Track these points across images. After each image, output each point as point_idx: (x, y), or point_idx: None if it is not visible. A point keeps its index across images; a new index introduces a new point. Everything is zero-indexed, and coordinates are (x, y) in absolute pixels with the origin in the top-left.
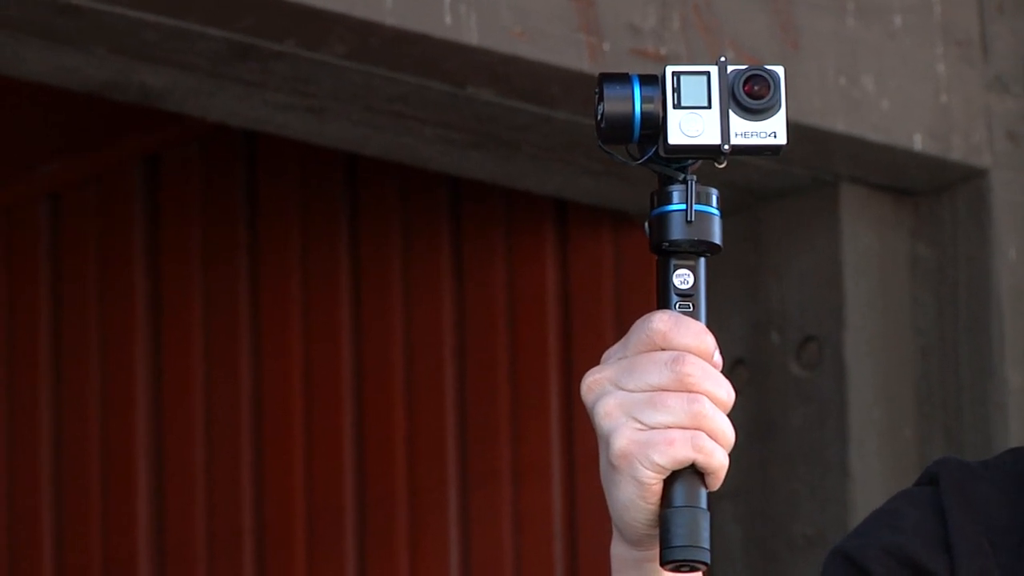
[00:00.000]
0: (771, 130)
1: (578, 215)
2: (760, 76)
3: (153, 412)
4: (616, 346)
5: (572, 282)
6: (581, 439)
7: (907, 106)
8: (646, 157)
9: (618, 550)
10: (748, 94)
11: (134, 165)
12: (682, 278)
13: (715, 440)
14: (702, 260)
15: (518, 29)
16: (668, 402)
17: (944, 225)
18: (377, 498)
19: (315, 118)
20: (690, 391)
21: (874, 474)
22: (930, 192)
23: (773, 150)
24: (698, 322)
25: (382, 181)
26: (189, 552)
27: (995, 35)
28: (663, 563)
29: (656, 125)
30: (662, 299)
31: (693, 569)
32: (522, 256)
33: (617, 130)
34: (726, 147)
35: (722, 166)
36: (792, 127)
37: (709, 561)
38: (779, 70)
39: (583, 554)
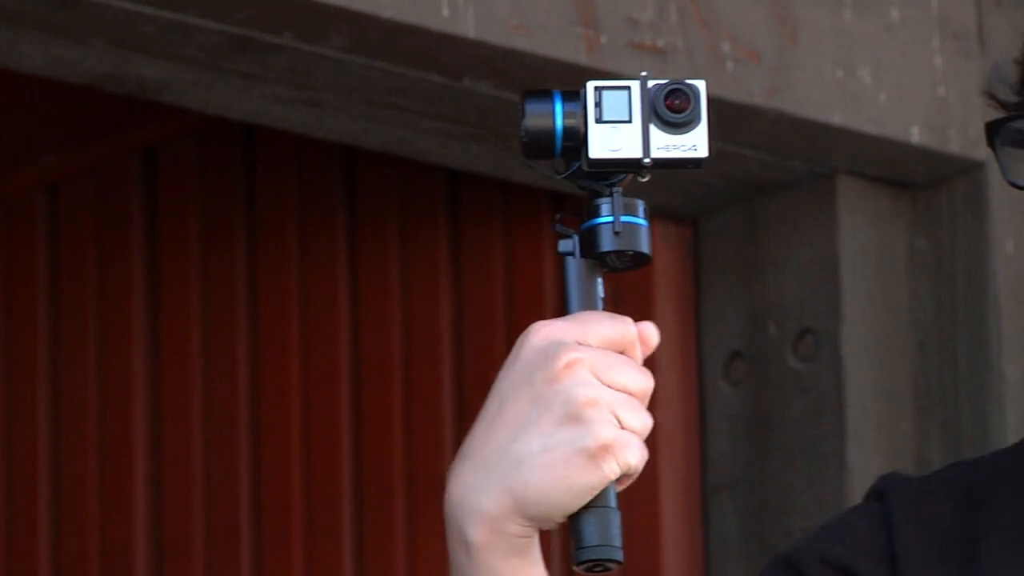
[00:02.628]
0: (692, 143)
1: (576, 207)
2: (680, 90)
3: (151, 403)
4: (577, 320)
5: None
6: None
7: (904, 99)
8: (570, 171)
9: (476, 558)
10: (669, 108)
11: (132, 157)
12: (601, 288)
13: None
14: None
15: (515, 22)
16: (640, 409)
17: (942, 218)
18: (375, 490)
19: (313, 111)
20: (644, 399)
21: (871, 467)
22: (927, 185)
23: (695, 163)
24: (655, 339)
25: (380, 173)
26: (186, 544)
27: (992, 28)
28: (577, 563)
29: (578, 140)
30: (586, 306)
31: (606, 569)
32: (520, 248)
33: (540, 145)
34: (647, 160)
35: (645, 180)
36: (789, 120)
37: (622, 560)
38: (700, 84)
39: None
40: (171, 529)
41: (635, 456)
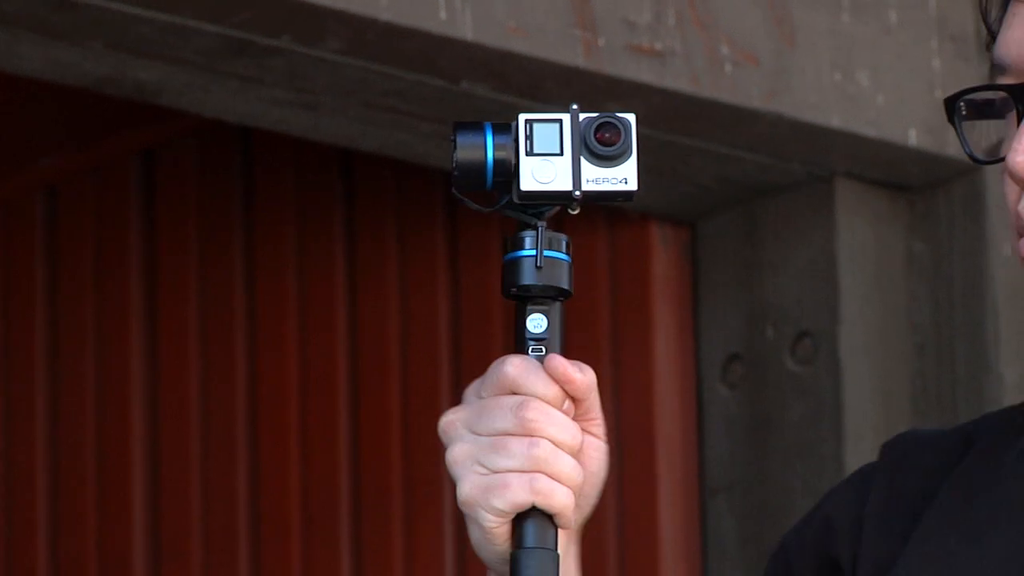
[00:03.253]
0: (622, 176)
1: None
2: (611, 123)
3: (149, 405)
4: (474, 385)
5: None
6: None
7: (902, 101)
8: (500, 204)
9: None
10: (599, 141)
11: (130, 160)
12: (535, 322)
13: (558, 481)
14: (557, 304)
15: (513, 24)
16: (509, 447)
17: (939, 221)
18: (373, 492)
19: (311, 113)
20: (531, 435)
21: None
22: (925, 188)
23: (625, 196)
24: (574, 369)
25: (378, 176)
26: (184, 545)
27: None
28: None
29: (509, 172)
30: (518, 343)
31: None
32: None
33: (471, 177)
34: (577, 193)
35: (575, 212)
36: (787, 122)
37: None
38: (630, 117)
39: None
40: (169, 531)
41: (501, 497)
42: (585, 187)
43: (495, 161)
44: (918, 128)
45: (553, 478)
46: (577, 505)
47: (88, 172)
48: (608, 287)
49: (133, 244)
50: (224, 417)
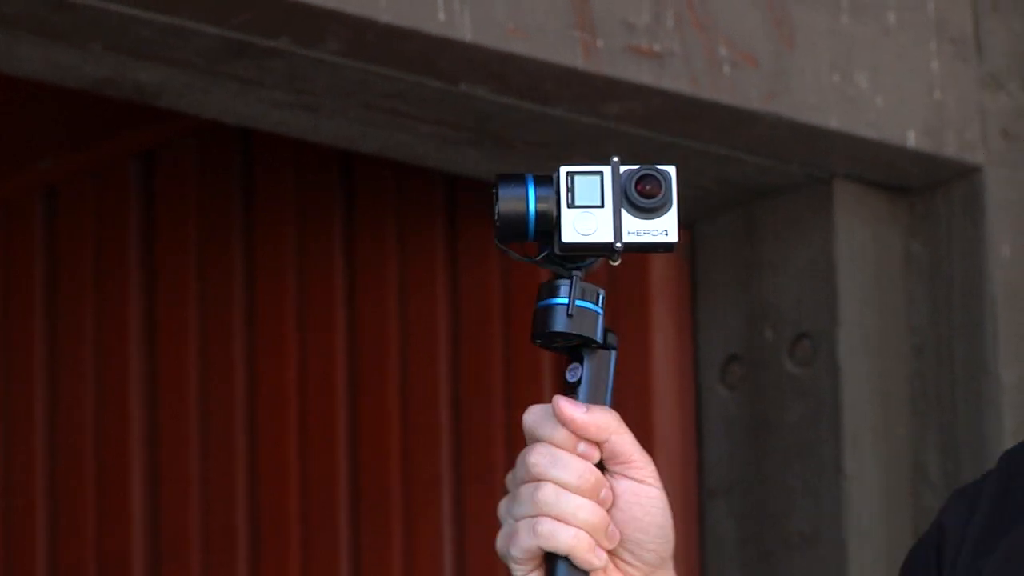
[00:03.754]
0: (663, 228)
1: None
2: (652, 176)
3: (148, 406)
4: None
5: None
6: None
7: (901, 103)
8: (542, 255)
9: None
10: (640, 193)
11: (129, 161)
12: (571, 371)
13: (564, 523)
14: (601, 353)
15: (512, 26)
16: (520, 494)
17: (938, 222)
18: (372, 493)
19: (310, 115)
20: (537, 479)
21: (868, 471)
22: (924, 189)
23: (665, 247)
24: (573, 408)
25: (377, 177)
26: (183, 547)
27: (989, 32)
28: None
29: (551, 223)
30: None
31: None
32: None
33: (513, 229)
34: (618, 245)
35: (616, 264)
36: (786, 124)
37: None
38: (671, 170)
39: None
40: (168, 532)
41: (514, 545)
42: (626, 239)
43: (537, 213)
44: (917, 129)
45: (559, 520)
46: (629, 548)
47: (88, 173)
48: (607, 288)
49: (133, 245)
50: (223, 417)
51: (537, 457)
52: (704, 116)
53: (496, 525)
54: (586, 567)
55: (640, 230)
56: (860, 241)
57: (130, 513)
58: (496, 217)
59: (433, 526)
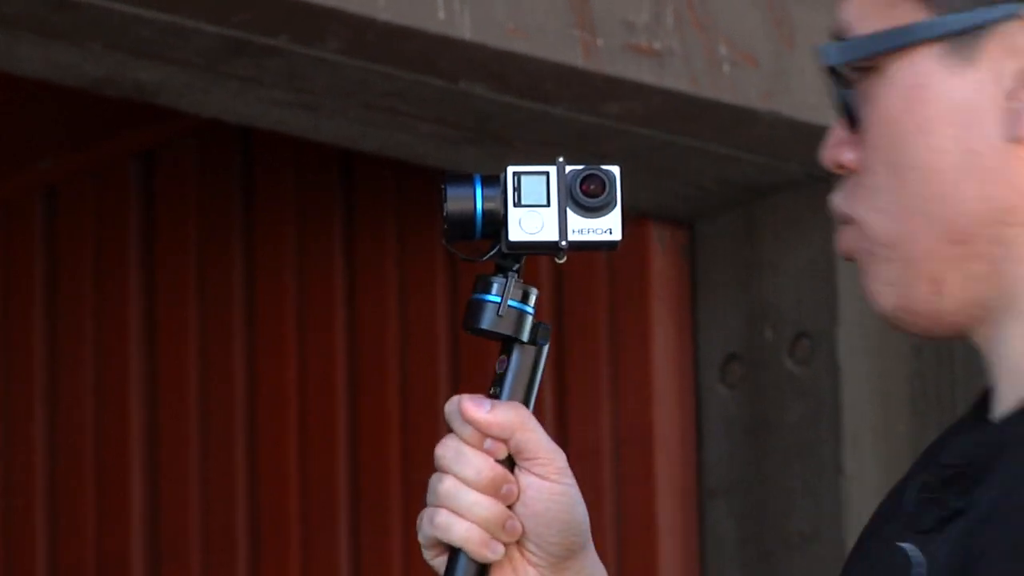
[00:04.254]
0: (607, 227)
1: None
2: (596, 176)
3: (148, 406)
4: None
5: (565, 277)
6: (573, 436)
7: None
8: (490, 253)
9: None
10: (584, 193)
11: (129, 160)
12: (499, 362)
13: (460, 516)
14: (533, 349)
15: (512, 25)
16: (430, 484)
17: None
18: (371, 492)
19: (310, 114)
20: (440, 472)
21: (868, 471)
22: None
23: (609, 246)
24: (474, 407)
25: (377, 176)
26: (183, 547)
27: None
28: None
29: (498, 223)
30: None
31: None
32: None
33: (461, 228)
34: (563, 243)
35: (562, 261)
36: (787, 123)
37: None
38: (615, 170)
39: None
40: (168, 532)
41: (419, 531)
42: (571, 237)
43: (484, 212)
44: None
45: (456, 513)
46: (533, 542)
47: (87, 173)
48: (607, 287)
49: (132, 245)
50: (223, 417)
51: (443, 450)
52: (704, 115)
53: None
54: (479, 560)
55: (585, 228)
56: None
57: (130, 513)
58: (444, 217)
59: None
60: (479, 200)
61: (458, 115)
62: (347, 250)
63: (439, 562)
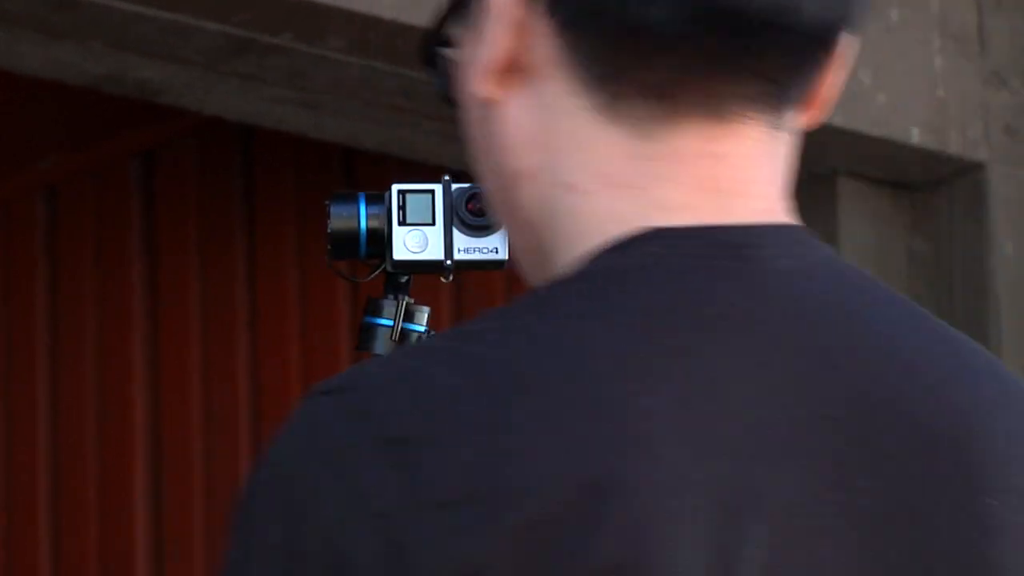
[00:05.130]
0: (493, 246)
1: None
2: (481, 194)
3: (150, 404)
4: None
5: None
6: None
7: (904, 100)
8: (375, 273)
9: None
10: (470, 211)
11: (131, 159)
12: None
13: None
14: None
15: None
16: None
17: (941, 219)
18: None
19: (312, 112)
20: None
21: None
22: (927, 186)
23: (496, 265)
24: None
25: (379, 175)
26: (186, 544)
27: (992, 30)
28: None
29: (383, 242)
30: None
31: None
32: None
33: (345, 247)
34: (449, 262)
35: (448, 281)
36: None
37: None
38: None
39: None
40: (171, 531)
41: None
42: (457, 256)
43: (368, 231)
44: (920, 126)
45: None
46: None
47: (88, 172)
48: None
49: (134, 244)
50: (226, 416)
51: None
52: None
53: None
54: None
55: (471, 247)
56: (863, 238)
57: (133, 512)
58: (328, 236)
59: None
60: (363, 218)
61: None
62: None
63: None
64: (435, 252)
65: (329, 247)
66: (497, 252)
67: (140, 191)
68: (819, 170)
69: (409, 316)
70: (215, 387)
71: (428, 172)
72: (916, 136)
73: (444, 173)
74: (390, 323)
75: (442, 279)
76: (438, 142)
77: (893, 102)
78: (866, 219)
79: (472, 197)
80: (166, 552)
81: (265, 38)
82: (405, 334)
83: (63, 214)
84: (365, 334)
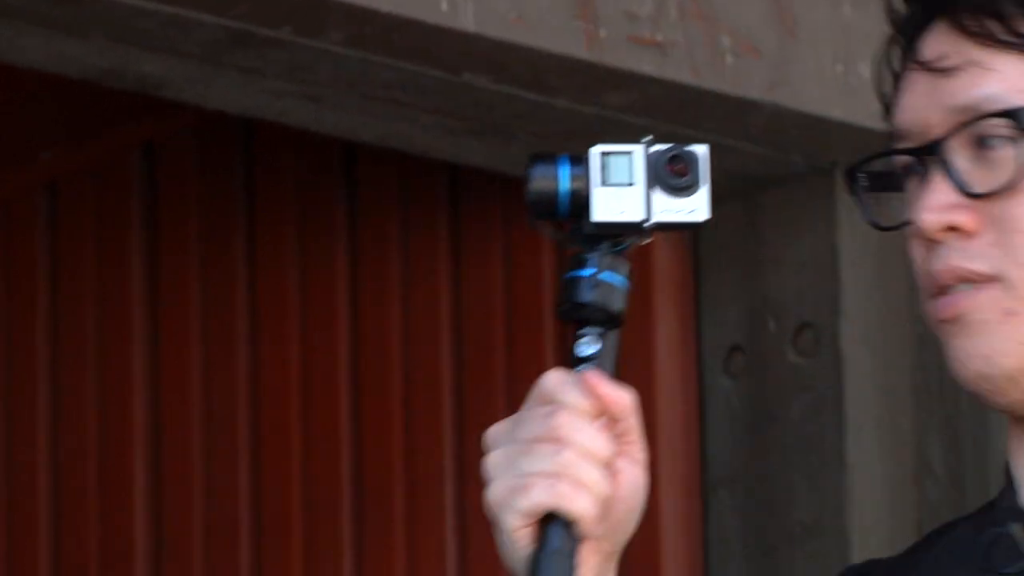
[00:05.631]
0: (693, 207)
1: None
2: (682, 155)
3: (150, 402)
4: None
5: (567, 266)
6: None
7: None
8: (574, 234)
9: None
10: (671, 172)
11: (131, 154)
12: (585, 345)
13: (580, 488)
14: (612, 333)
15: (515, 16)
16: (538, 450)
17: None
18: (374, 489)
19: (312, 106)
20: (559, 441)
21: (871, 463)
22: None
23: (695, 226)
24: (603, 384)
25: (380, 168)
26: (186, 544)
27: None
28: None
29: (582, 202)
30: (567, 362)
31: None
32: (520, 243)
33: (545, 207)
34: (648, 223)
35: (646, 242)
36: (789, 114)
37: None
38: (702, 149)
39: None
40: (171, 529)
41: (524, 498)
42: (656, 217)
43: (569, 191)
44: None
45: (576, 485)
46: (610, 527)
47: (89, 169)
48: None
49: (134, 240)
50: (226, 414)
51: (562, 420)
52: (706, 106)
53: None
54: (585, 535)
55: (671, 208)
56: (862, 231)
57: (133, 511)
58: (528, 195)
59: (436, 519)
60: (563, 179)
61: (460, 106)
62: (350, 241)
63: (524, 533)
64: (635, 213)
65: (530, 206)
66: (696, 213)
67: (141, 187)
68: (819, 163)
69: (614, 268)
70: (215, 381)
71: (429, 166)
72: None
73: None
74: (590, 272)
75: (640, 241)
76: (437, 136)
77: None
78: None
79: (673, 158)
80: (165, 551)
81: (265, 32)
82: (608, 285)
83: (63, 210)
84: (566, 289)
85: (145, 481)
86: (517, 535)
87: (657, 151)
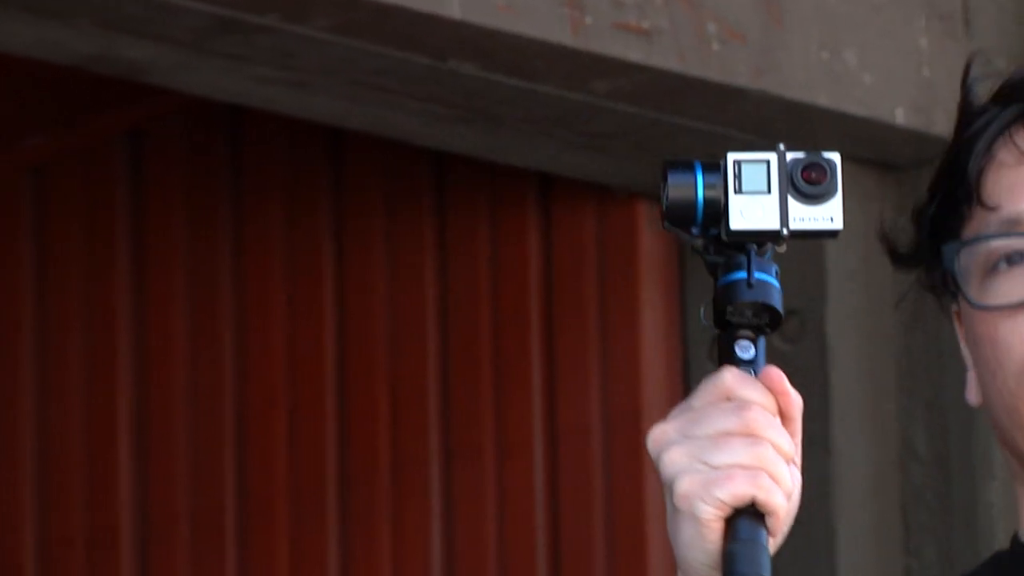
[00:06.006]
0: (828, 215)
1: (561, 189)
2: (818, 163)
3: (136, 386)
4: (680, 405)
5: (555, 256)
6: (563, 414)
7: (890, 80)
8: (709, 241)
9: None
10: (806, 180)
11: (118, 139)
12: (743, 348)
13: (776, 483)
14: (762, 339)
15: (501, 3)
16: (732, 443)
17: None
18: (360, 474)
19: (299, 92)
20: (753, 435)
21: (856, 449)
22: (913, 166)
23: (831, 234)
24: (788, 386)
25: (366, 155)
26: (171, 526)
27: (978, 9)
28: None
29: (718, 210)
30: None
31: None
32: (505, 230)
33: (682, 214)
34: (785, 231)
35: (782, 250)
36: (775, 101)
37: None
38: (836, 157)
39: (564, 528)
40: (156, 511)
41: (725, 489)
42: (793, 225)
43: (705, 199)
44: (905, 107)
45: (774, 479)
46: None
47: (75, 152)
48: (596, 265)
49: (121, 223)
50: (211, 397)
51: (757, 414)
52: (692, 93)
53: (482, 503)
54: (777, 531)
55: (806, 216)
56: (848, 218)
57: (119, 492)
58: (665, 203)
59: (421, 505)
60: (700, 187)
61: (447, 93)
62: (335, 227)
63: (719, 526)
64: (771, 221)
65: (665, 213)
66: (832, 221)
67: (127, 170)
68: (804, 150)
69: (762, 268)
70: (200, 365)
71: (415, 152)
72: (901, 116)
73: (432, 153)
74: (744, 275)
75: (776, 248)
76: (424, 122)
77: (878, 82)
78: (852, 199)
79: (808, 166)
80: (150, 531)
81: (252, 18)
82: (761, 283)
83: (50, 193)
84: (722, 295)
85: (130, 464)
86: (710, 527)
87: (793, 159)
